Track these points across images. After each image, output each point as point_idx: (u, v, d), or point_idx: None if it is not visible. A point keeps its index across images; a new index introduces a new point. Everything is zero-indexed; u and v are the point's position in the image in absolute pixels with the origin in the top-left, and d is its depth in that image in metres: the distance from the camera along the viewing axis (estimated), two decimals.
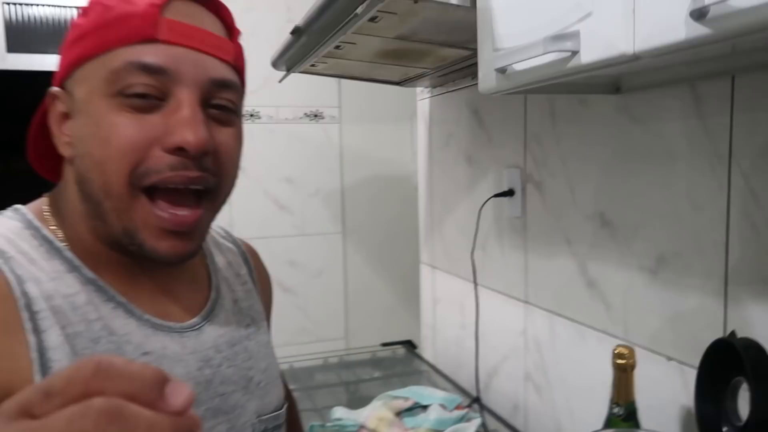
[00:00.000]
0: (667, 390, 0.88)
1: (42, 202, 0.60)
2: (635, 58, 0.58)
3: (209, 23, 0.56)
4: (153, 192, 0.53)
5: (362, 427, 1.11)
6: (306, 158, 2.49)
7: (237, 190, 2.38)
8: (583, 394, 1.06)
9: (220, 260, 0.71)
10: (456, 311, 1.52)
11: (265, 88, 2.29)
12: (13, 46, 2.20)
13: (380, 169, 2.57)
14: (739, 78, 0.75)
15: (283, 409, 0.70)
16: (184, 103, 0.53)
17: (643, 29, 0.55)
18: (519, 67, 0.74)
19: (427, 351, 1.71)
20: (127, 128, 0.51)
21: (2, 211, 0.59)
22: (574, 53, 0.65)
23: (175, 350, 0.58)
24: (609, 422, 0.82)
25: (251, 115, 2.38)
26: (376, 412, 1.13)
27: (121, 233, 0.54)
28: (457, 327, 1.52)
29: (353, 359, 1.64)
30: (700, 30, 0.49)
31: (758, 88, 0.73)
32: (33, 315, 0.50)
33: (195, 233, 0.57)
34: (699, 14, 0.48)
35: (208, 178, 0.55)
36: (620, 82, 0.93)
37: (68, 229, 0.57)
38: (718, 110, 0.78)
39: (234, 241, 0.77)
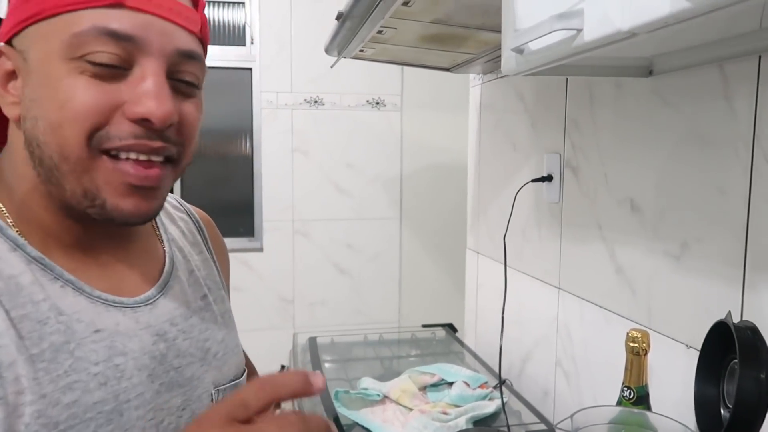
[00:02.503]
0: (685, 378, 0.86)
1: None
2: (631, 34, 0.58)
3: None
4: (114, 156, 0.52)
5: (386, 397, 1.15)
6: (367, 144, 2.55)
7: (299, 172, 2.50)
8: (609, 381, 1.05)
9: (173, 230, 0.69)
10: (497, 296, 1.53)
11: (329, 76, 2.37)
12: None
13: (439, 157, 2.60)
14: (766, 57, 0.73)
15: (243, 378, 0.69)
16: (150, 73, 0.51)
17: (635, 6, 0.56)
18: (533, 46, 0.75)
19: (469, 335, 1.72)
20: (87, 92, 0.50)
21: None
22: (579, 31, 0.65)
23: (129, 326, 0.56)
24: (618, 405, 0.82)
25: (315, 102, 2.47)
26: (401, 384, 1.17)
27: (81, 195, 0.52)
28: (498, 312, 1.53)
29: (393, 338, 1.68)
30: (682, 4, 0.50)
31: None
32: None
33: (158, 191, 0.55)
34: None
35: (170, 148, 0.54)
36: (653, 64, 0.92)
37: (14, 199, 0.55)
38: (744, 91, 0.76)
39: (187, 210, 0.74)
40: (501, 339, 1.12)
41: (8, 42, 0.53)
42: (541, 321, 1.28)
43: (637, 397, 0.81)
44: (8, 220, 0.54)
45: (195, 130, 0.57)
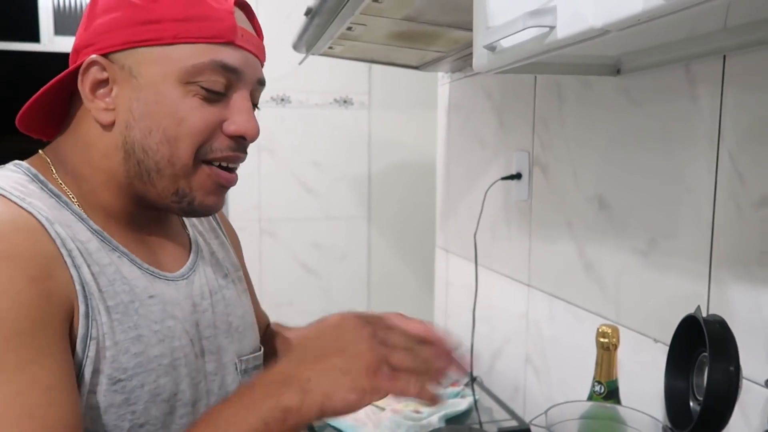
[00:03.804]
0: (654, 372, 0.88)
1: (43, 158, 0.64)
2: (603, 32, 0.59)
3: (251, 28, 0.66)
4: (209, 163, 0.64)
5: None
6: (334, 143, 2.53)
7: (265, 171, 2.45)
8: (578, 376, 1.07)
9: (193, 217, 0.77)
10: (466, 294, 1.53)
11: (296, 74, 2.34)
12: (60, 30, 2.32)
13: (407, 155, 2.59)
14: (730, 57, 0.74)
15: (260, 352, 0.77)
16: (244, 99, 0.63)
17: (608, 3, 0.56)
18: (506, 44, 0.75)
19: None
20: (200, 113, 0.61)
21: (2, 165, 0.62)
22: (552, 28, 0.66)
23: (173, 295, 0.65)
24: (590, 400, 0.83)
25: (282, 100, 2.44)
26: None
27: (171, 194, 0.63)
28: (467, 310, 1.53)
29: None
30: (654, 1, 0.50)
31: (748, 68, 0.72)
32: (69, 252, 0.56)
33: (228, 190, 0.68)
34: None
35: (245, 157, 0.67)
36: (620, 63, 0.93)
37: (81, 185, 0.63)
38: (709, 91, 0.78)
39: None
40: (472, 337, 1.13)
41: (104, 55, 0.60)
42: (511, 318, 1.29)
43: (608, 391, 0.82)
44: (73, 199, 0.61)
45: None
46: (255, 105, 0.67)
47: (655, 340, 0.88)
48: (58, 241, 0.55)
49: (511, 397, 1.28)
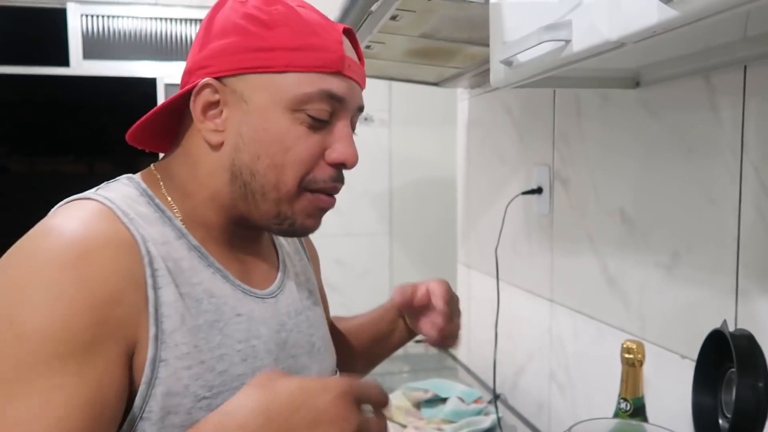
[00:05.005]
0: (680, 388, 0.86)
1: (153, 173, 0.67)
2: (619, 44, 0.59)
3: (356, 56, 0.67)
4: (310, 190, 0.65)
5: None
6: None
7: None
8: (603, 393, 1.05)
9: (281, 238, 0.79)
10: (488, 310, 1.52)
11: None
12: (89, 54, 2.39)
13: (428, 171, 2.59)
14: (751, 68, 0.73)
15: (337, 375, 0.77)
16: (345, 126, 0.65)
17: (623, 16, 0.56)
18: (522, 58, 0.76)
19: (461, 350, 1.71)
20: (306, 142, 0.62)
21: (116, 178, 0.65)
22: (567, 42, 0.66)
23: (260, 314, 0.66)
24: (615, 417, 0.81)
25: None
26: (395, 401, 1.15)
27: (273, 216, 0.64)
28: (490, 326, 1.52)
29: None
30: (669, 13, 0.50)
31: None
32: (154, 272, 0.57)
33: None
34: None
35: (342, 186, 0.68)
36: (639, 75, 0.92)
37: (185, 200, 0.65)
38: (730, 101, 0.77)
39: None
40: (495, 353, 1.11)
41: (217, 78, 0.62)
42: (534, 334, 1.28)
43: (634, 408, 0.80)
44: (177, 215, 0.64)
45: None
46: (353, 130, 0.68)
47: (682, 356, 0.86)
48: (146, 260, 0.56)
49: (535, 415, 1.26)
